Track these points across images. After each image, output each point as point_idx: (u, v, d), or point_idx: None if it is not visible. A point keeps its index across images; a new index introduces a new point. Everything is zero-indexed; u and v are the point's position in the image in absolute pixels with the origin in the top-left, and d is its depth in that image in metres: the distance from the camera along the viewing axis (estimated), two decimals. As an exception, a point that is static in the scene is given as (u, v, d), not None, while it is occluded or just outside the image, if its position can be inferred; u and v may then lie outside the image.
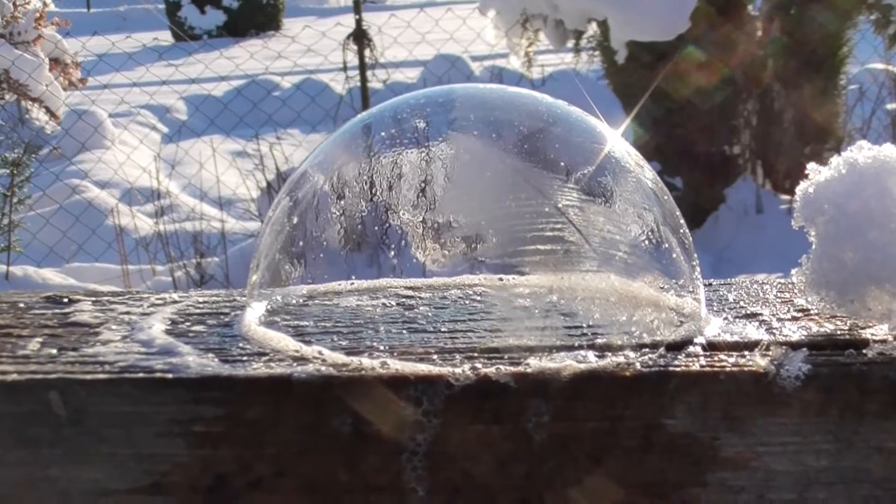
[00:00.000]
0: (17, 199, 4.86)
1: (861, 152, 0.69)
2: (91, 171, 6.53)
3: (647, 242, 0.69)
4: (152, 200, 5.94)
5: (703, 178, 5.18)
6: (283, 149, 5.78)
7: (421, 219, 0.70)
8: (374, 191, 0.71)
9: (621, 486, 0.62)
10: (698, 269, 0.71)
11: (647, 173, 0.71)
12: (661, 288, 0.69)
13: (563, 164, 0.69)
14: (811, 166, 0.70)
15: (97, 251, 5.33)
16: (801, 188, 0.69)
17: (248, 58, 7.72)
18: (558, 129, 0.72)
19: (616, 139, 0.72)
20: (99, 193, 6.07)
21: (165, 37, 12.45)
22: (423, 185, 0.70)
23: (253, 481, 0.62)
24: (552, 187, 0.68)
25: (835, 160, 0.69)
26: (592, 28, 5.54)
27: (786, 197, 5.23)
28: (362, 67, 6.66)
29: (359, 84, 6.71)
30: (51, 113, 4.58)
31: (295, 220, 0.73)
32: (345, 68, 7.15)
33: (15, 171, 4.81)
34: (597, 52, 5.72)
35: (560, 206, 0.67)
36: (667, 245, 0.69)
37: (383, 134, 0.72)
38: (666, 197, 0.71)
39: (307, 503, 0.62)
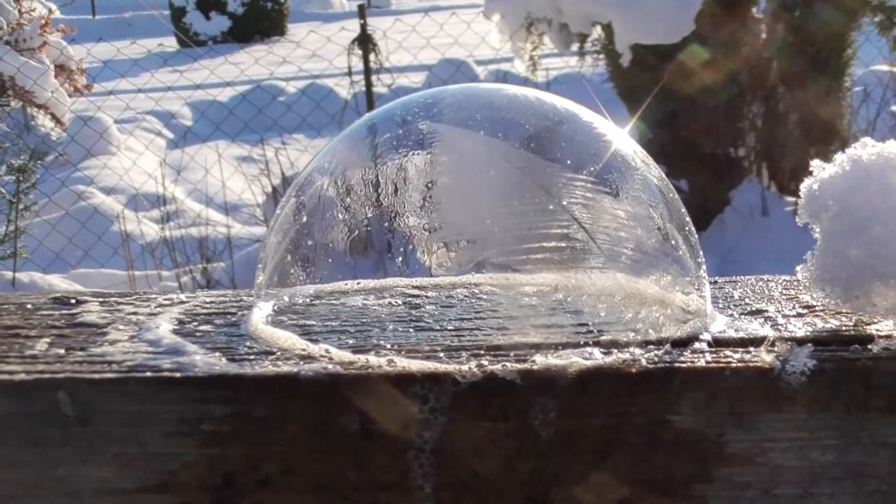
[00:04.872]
0: (23, 205, 4.86)
1: (865, 149, 0.69)
2: (97, 177, 6.55)
3: (652, 240, 0.69)
4: (158, 206, 5.95)
5: (708, 181, 5.18)
6: (289, 154, 5.79)
7: (426, 220, 0.70)
8: (379, 192, 0.71)
9: (627, 482, 0.62)
10: (704, 266, 0.71)
11: (653, 171, 0.71)
12: (667, 285, 0.69)
13: (568, 162, 0.69)
14: (815, 163, 0.70)
15: (103, 257, 5.34)
16: (805, 184, 0.70)
17: (252, 63, 7.74)
18: (564, 127, 0.72)
19: (621, 137, 0.72)
20: (105, 199, 6.08)
21: (170, 43, 12.50)
22: (428, 186, 0.70)
23: (261, 479, 0.62)
24: (557, 186, 0.68)
25: (839, 157, 0.70)
26: (597, 31, 5.54)
27: (791, 199, 5.23)
28: (367, 72, 6.66)
29: (364, 89, 6.72)
30: (56, 119, 4.59)
31: (303, 219, 0.73)
32: (350, 73, 7.15)
33: (21, 178, 4.82)
34: (601, 56, 5.72)
35: (565, 203, 0.67)
36: (672, 242, 0.69)
37: (388, 135, 0.72)
38: (672, 195, 0.71)
39: (315, 501, 0.63)
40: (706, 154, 5.24)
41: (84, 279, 5.00)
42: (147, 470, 0.62)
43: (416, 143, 0.71)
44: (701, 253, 0.71)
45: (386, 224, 0.71)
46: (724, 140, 5.33)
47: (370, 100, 6.61)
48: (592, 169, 0.69)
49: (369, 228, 0.73)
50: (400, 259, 0.73)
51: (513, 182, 0.70)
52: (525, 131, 0.71)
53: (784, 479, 0.63)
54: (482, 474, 0.62)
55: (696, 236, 0.71)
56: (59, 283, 4.87)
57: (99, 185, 6.38)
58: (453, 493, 0.62)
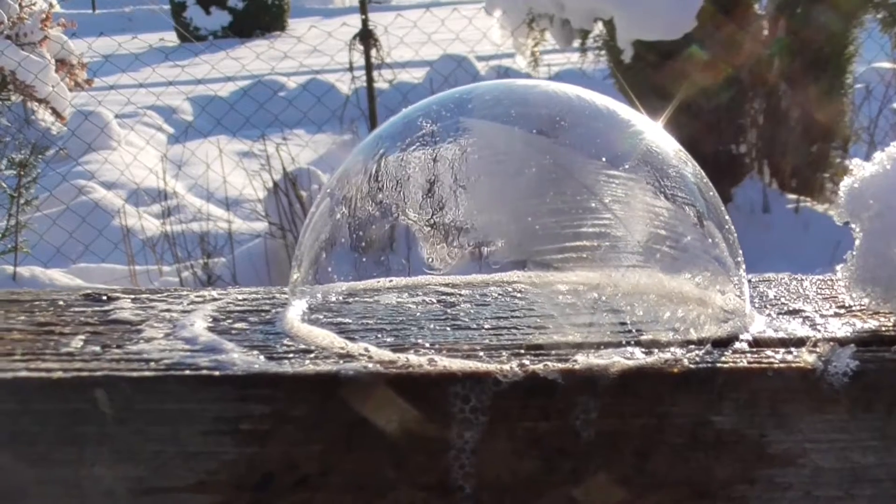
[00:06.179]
0: (24, 199, 4.85)
1: (905, 148, 0.69)
2: (97, 171, 6.53)
3: (691, 238, 0.69)
4: (159, 201, 5.95)
5: (709, 177, 5.15)
6: (290, 149, 5.78)
7: (461, 217, 0.69)
8: (411, 189, 0.71)
9: (668, 483, 0.62)
10: (743, 264, 0.70)
11: (691, 167, 0.71)
12: (707, 284, 0.69)
13: (605, 158, 0.69)
14: (855, 162, 0.70)
15: (104, 252, 5.33)
16: (845, 183, 0.69)
17: (253, 58, 7.73)
18: (601, 123, 0.71)
19: (660, 133, 0.71)
20: (105, 194, 6.07)
21: (171, 37, 12.45)
22: (464, 183, 0.69)
23: (299, 479, 0.62)
24: (596, 182, 0.68)
25: (878, 156, 0.69)
26: (598, 27, 5.54)
27: (792, 196, 5.23)
28: (368, 67, 6.65)
29: (365, 84, 6.71)
30: (57, 114, 4.58)
31: (336, 217, 0.73)
32: (351, 68, 7.15)
33: (21, 172, 4.81)
34: (603, 52, 5.71)
35: (606, 201, 0.67)
36: (711, 240, 0.69)
37: (423, 132, 0.71)
38: (711, 192, 0.71)
39: (353, 501, 0.62)
40: (708, 151, 5.24)
41: (85, 274, 4.99)
42: (185, 469, 0.62)
43: (452, 139, 0.70)
44: (741, 251, 0.70)
45: (418, 220, 0.71)
46: (725, 137, 5.32)
47: (371, 95, 6.60)
48: (630, 165, 0.68)
49: (400, 224, 0.72)
50: (430, 259, 0.72)
51: (549, 179, 0.69)
52: (562, 127, 0.70)
53: (825, 481, 0.62)
54: (522, 474, 0.61)
55: (735, 234, 0.70)
56: (60, 277, 4.86)
57: (99, 180, 6.37)
58: (494, 493, 0.61)
